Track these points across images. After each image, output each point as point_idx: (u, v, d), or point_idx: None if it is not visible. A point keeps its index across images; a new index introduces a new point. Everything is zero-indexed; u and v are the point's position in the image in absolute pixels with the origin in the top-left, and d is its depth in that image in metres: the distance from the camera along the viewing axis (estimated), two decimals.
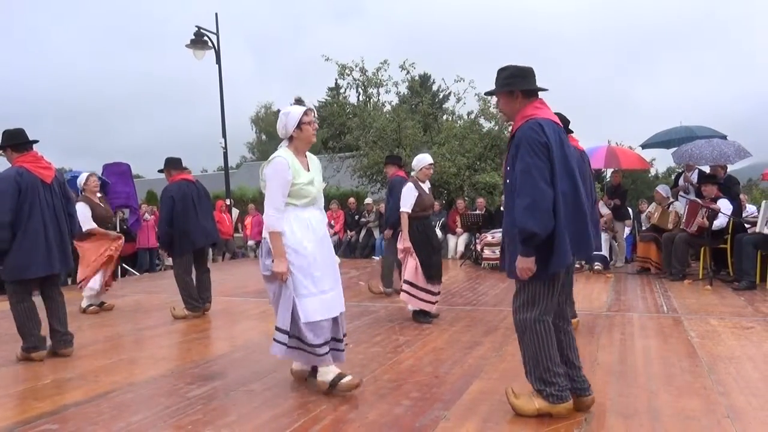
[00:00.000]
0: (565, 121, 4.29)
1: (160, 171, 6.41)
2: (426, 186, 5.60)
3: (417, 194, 5.41)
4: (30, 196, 4.33)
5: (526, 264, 2.79)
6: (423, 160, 5.58)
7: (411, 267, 5.37)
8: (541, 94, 3.03)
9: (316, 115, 3.57)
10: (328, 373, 3.39)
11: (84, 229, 6.05)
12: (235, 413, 3.15)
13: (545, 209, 2.72)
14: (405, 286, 5.38)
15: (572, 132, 4.54)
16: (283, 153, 3.43)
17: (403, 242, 5.40)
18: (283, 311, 3.35)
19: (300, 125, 3.43)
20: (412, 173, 5.66)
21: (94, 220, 6.36)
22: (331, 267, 3.53)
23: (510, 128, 3.09)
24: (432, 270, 5.38)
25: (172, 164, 6.34)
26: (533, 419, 2.91)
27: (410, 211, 5.39)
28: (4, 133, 4.54)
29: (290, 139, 3.48)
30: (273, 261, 3.32)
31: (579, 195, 2.90)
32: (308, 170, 3.50)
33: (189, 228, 6.04)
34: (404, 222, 5.39)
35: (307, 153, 3.59)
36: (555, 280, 2.91)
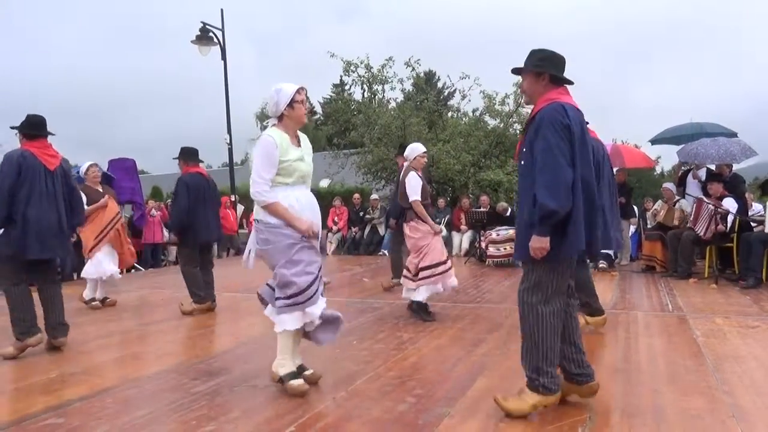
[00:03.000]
0: None
1: (175, 159, 6.33)
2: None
3: (422, 183, 5.39)
4: (30, 179, 4.36)
5: (540, 243, 2.74)
6: (416, 149, 5.54)
7: (437, 249, 5.32)
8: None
9: (308, 94, 3.48)
10: (284, 365, 3.39)
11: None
12: (239, 409, 3.16)
13: (565, 188, 2.69)
14: (427, 272, 5.27)
15: (588, 123, 4.52)
16: (271, 131, 3.35)
17: (432, 227, 5.36)
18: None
19: (292, 103, 3.35)
20: (405, 163, 5.61)
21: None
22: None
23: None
24: None
25: (188, 155, 6.24)
26: (536, 417, 2.90)
27: (420, 199, 5.33)
28: (26, 118, 4.59)
29: (280, 117, 3.40)
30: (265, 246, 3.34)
31: (593, 184, 2.85)
32: (299, 146, 3.43)
33: (196, 222, 6.00)
34: (420, 209, 5.34)
35: (299, 132, 3.50)
36: (564, 265, 2.86)
